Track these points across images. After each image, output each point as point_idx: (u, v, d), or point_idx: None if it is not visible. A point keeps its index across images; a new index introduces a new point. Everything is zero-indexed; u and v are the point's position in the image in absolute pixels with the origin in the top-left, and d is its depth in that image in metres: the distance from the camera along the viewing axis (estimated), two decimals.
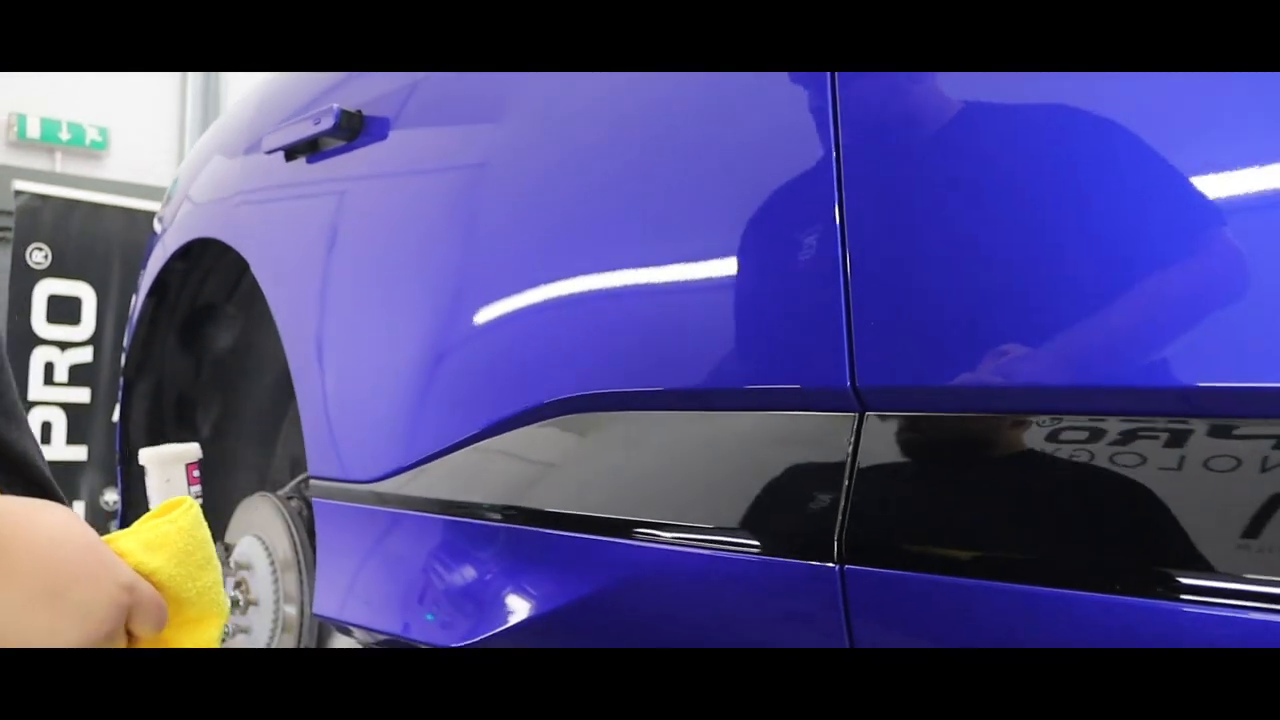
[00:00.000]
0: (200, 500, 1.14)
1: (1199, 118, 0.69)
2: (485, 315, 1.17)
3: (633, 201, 1.00)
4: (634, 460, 0.98)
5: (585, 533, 1.00)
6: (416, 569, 1.27)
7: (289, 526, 1.75)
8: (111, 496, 3.20)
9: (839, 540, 0.81)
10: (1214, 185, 0.67)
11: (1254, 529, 0.65)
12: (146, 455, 1.28)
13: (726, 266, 0.91)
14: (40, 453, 0.69)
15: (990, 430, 0.77)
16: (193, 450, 1.30)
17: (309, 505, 1.87)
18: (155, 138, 8.30)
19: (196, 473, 1.26)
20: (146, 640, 0.64)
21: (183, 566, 0.65)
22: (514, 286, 1.14)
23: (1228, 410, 0.66)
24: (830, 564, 0.82)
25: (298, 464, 2.14)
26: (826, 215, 0.83)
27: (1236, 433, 0.67)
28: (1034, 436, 0.75)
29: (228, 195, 1.71)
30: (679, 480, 0.94)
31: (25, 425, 0.69)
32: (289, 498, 1.86)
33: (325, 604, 1.39)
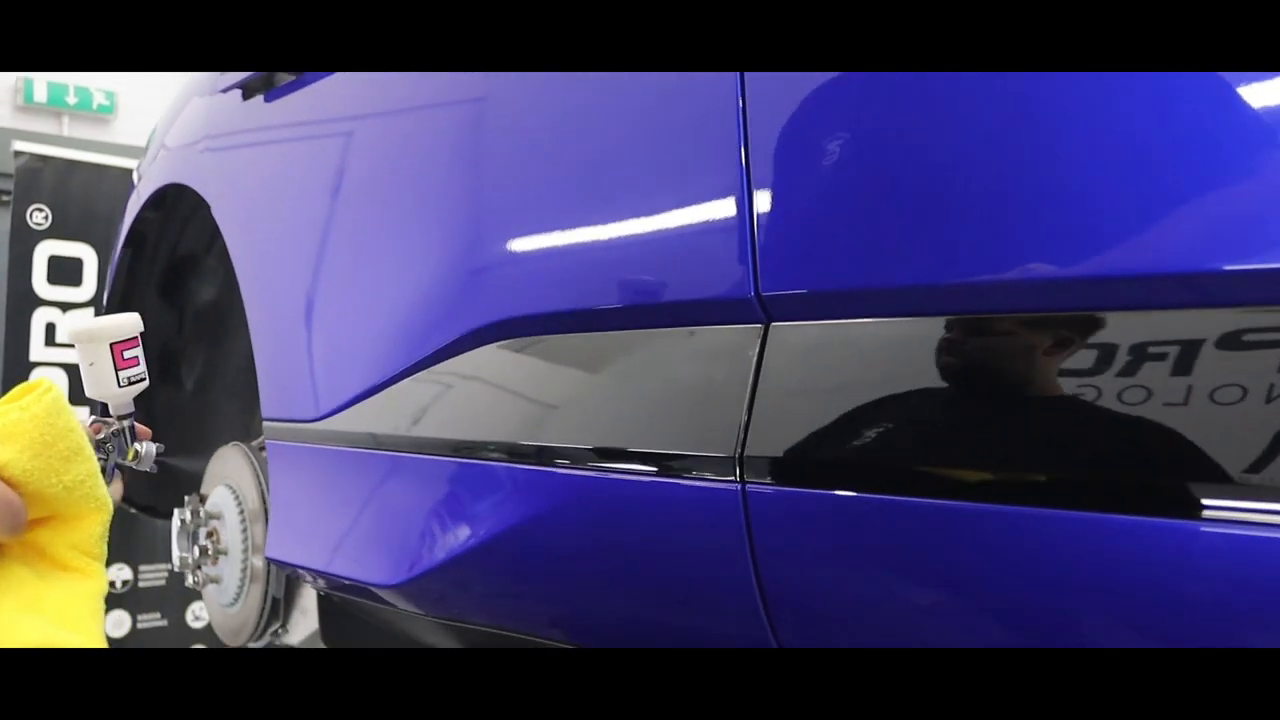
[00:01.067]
0: (144, 382, 1.07)
1: None
2: (411, 250, 1.14)
3: (535, 123, 0.96)
4: (550, 386, 0.95)
5: (509, 461, 0.97)
6: (357, 507, 1.24)
7: (257, 476, 1.73)
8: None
9: (739, 459, 0.77)
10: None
11: (1158, 436, 0.61)
12: (69, 330, 1.16)
13: (627, 182, 0.88)
14: None
15: (902, 336, 0.72)
16: (124, 325, 1.14)
17: None
18: (163, 103, 8.33)
19: (130, 353, 1.13)
20: (7, 542, 0.58)
21: (41, 459, 0.57)
22: (437, 220, 1.11)
23: (1109, 302, 0.62)
24: (732, 483, 0.78)
25: None
26: (728, 115, 0.79)
27: (1114, 323, 0.62)
28: (946, 340, 0.70)
29: (195, 139, 1.69)
30: (592, 404, 0.91)
31: None
32: (260, 448, 1.85)
33: (277, 547, 1.37)
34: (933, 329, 0.70)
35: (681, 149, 0.84)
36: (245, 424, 2.15)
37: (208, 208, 1.73)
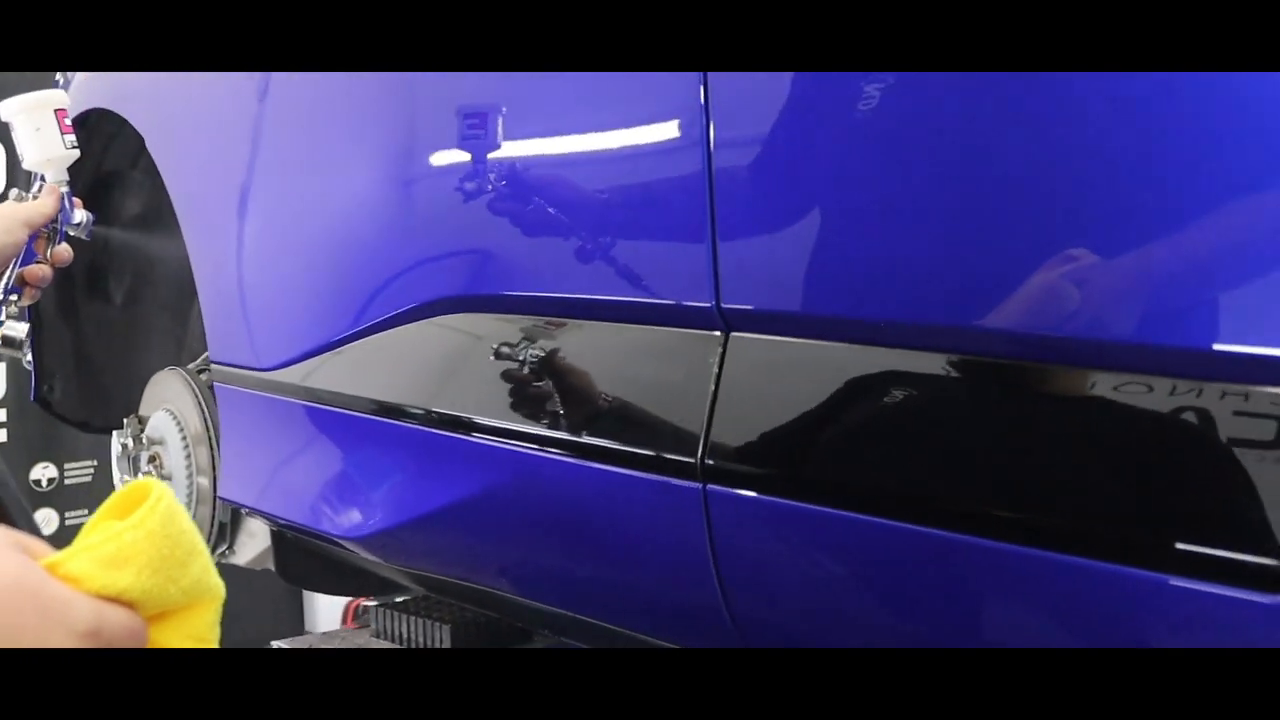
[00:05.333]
0: (78, 150, 1.16)
1: None
2: (378, 209, 1.15)
3: (517, 108, 0.97)
4: (505, 364, 0.98)
5: (469, 434, 1.00)
6: (314, 459, 1.27)
7: (199, 401, 1.74)
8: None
9: (702, 459, 0.82)
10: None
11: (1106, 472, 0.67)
12: (6, 106, 1.20)
13: (603, 177, 0.90)
14: None
15: (854, 360, 0.77)
16: (61, 96, 1.23)
17: None
18: None
19: (67, 120, 1.24)
20: None
21: (159, 574, 0.52)
22: (405, 182, 1.12)
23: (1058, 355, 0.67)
24: (694, 482, 0.83)
25: None
26: (695, 134, 0.81)
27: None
28: (896, 369, 0.75)
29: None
30: (549, 387, 0.94)
31: None
32: (199, 370, 1.85)
33: (228, 487, 1.40)
34: (874, 358, 0.75)
35: (652, 150, 0.86)
36: (178, 338, 2.13)
37: (133, 127, 1.69)
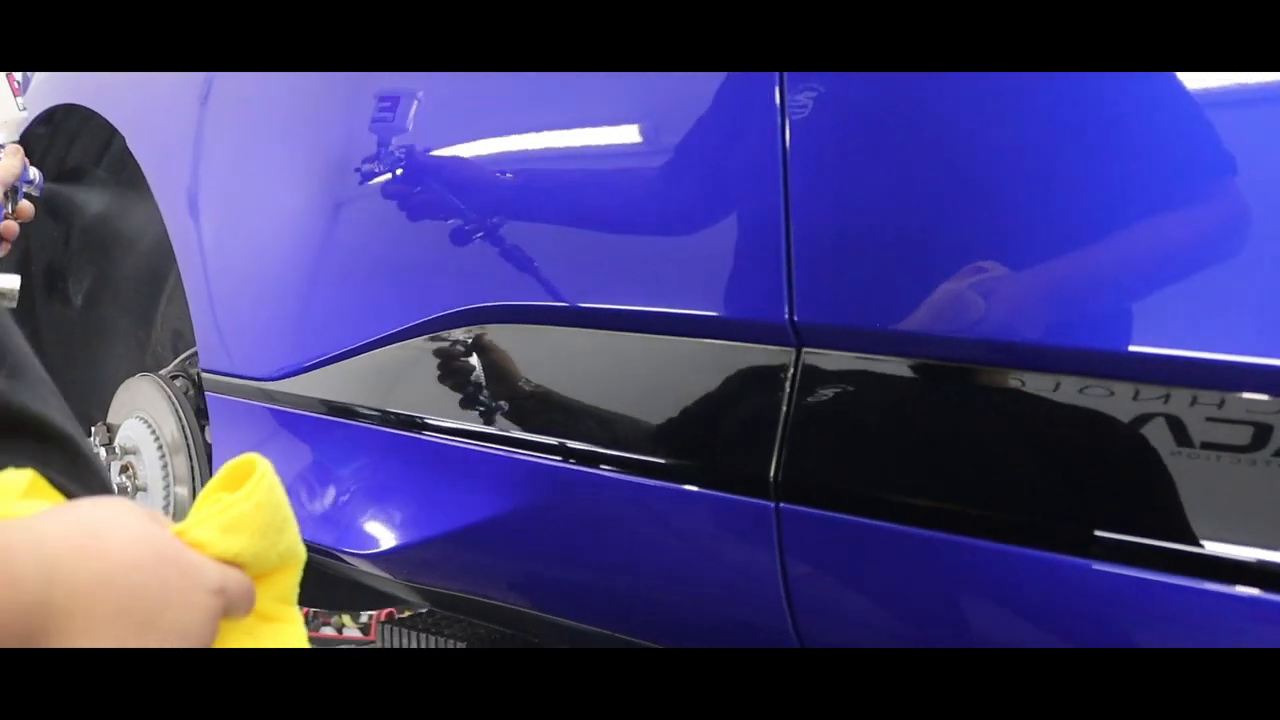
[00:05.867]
0: (25, 111, 1.27)
1: None
2: (399, 212, 1.10)
3: (573, 110, 0.94)
4: (559, 378, 0.95)
5: (509, 449, 0.97)
6: (315, 471, 1.23)
7: (175, 407, 1.68)
8: None
9: (775, 476, 0.80)
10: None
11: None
12: None
13: (671, 184, 0.87)
14: (68, 415, 0.59)
15: (931, 378, 0.76)
16: None
17: (195, 384, 1.80)
18: None
19: (16, 82, 1.43)
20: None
21: (266, 539, 0.59)
22: (433, 183, 1.08)
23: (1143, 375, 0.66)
24: (766, 501, 0.80)
25: (180, 337, 2.04)
26: (771, 148, 0.79)
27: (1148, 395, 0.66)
28: (969, 386, 0.74)
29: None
30: (606, 401, 0.91)
31: (42, 383, 0.58)
32: (173, 376, 1.79)
33: None
34: (954, 375, 0.74)
35: (723, 157, 0.84)
36: (140, 341, 2.06)
37: (99, 122, 1.62)
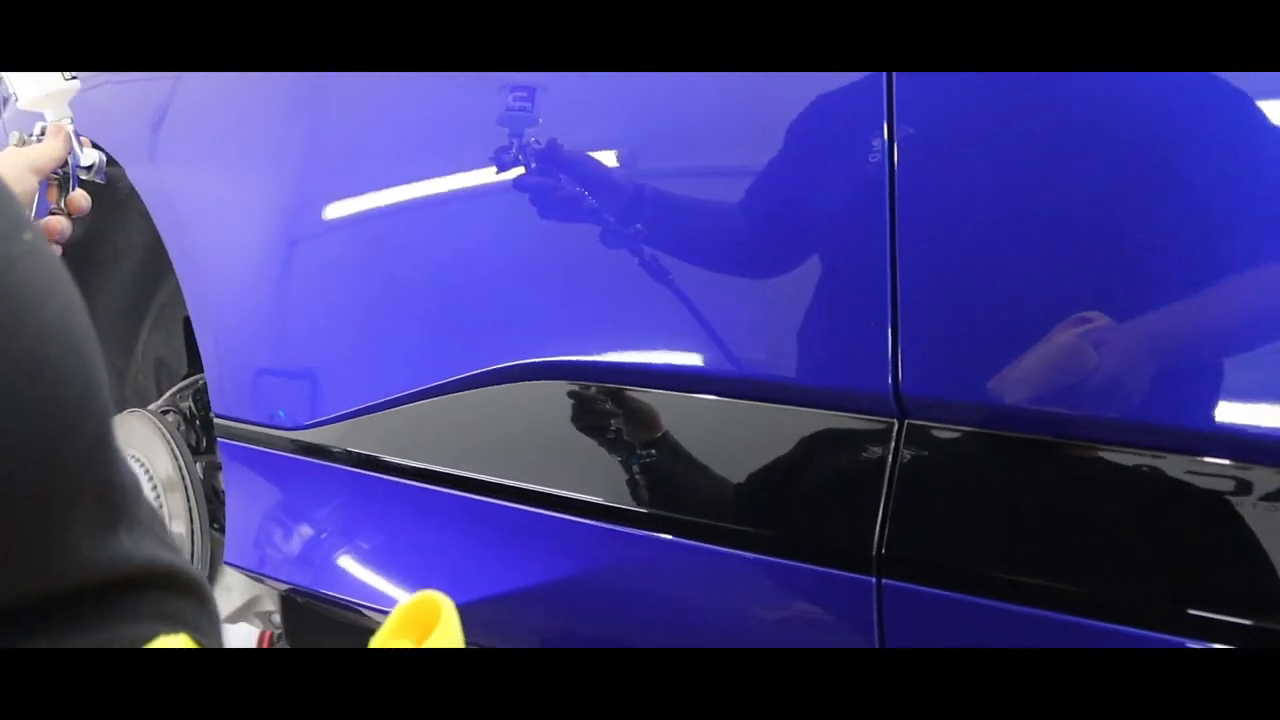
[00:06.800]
0: (76, 80, 1.05)
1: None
2: (472, 247, 1.05)
3: (674, 161, 0.90)
4: (630, 440, 0.91)
5: (591, 518, 0.92)
6: (344, 525, 1.18)
7: (169, 443, 1.62)
8: None
9: (878, 551, 0.77)
10: None
11: None
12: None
13: (770, 256, 0.84)
14: (174, 544, 0.53)
15: (1036, 453, 0.74)
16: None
17: (187, 419, 1.74)
18: None
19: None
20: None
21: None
22: (507, 219, 1.02)
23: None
24: (866, 575, 0.78)
25: (164, 367, 1.97)
26: (877, 219, 0.76)
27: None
28: (1080, 464, 0.72)
29: (107, 102, 1.50)
30: (692, 467, 0.88)
31: (156, 522, 0.52)
32: (164, 411, 1.72)
33: (238, 553, 1.29)
34: (1062, 451, 0.72)
35: (827, 216, 0.80)
36: (119, 370, 1.99)
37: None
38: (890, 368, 0.76)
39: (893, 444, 0.78)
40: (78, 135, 1.11)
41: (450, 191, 1.04)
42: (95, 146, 1.17)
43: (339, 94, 1.16)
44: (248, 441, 1.26)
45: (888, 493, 0.77)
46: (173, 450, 1.61)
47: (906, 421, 0.77)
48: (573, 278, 0.94)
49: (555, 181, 0.95)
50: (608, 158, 0.93)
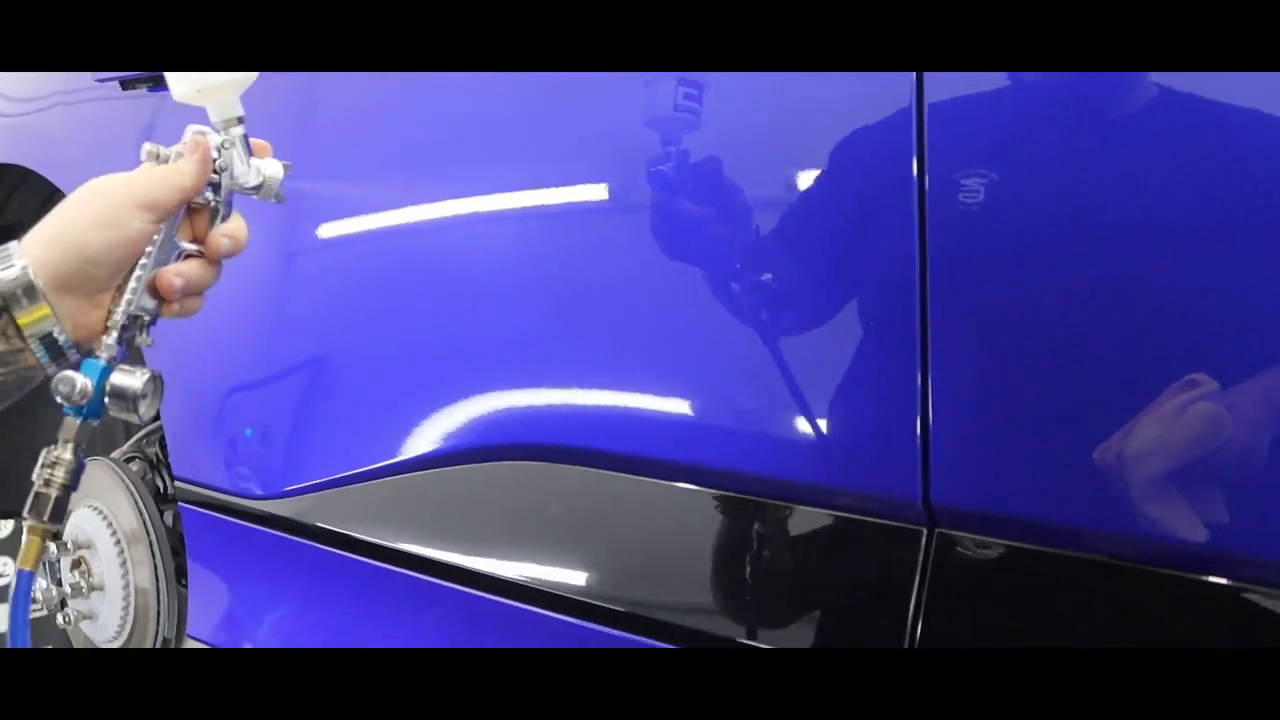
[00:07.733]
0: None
1: None
2: (460, 316, 0.96)
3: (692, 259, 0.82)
4: (652, 535, 0.83)
5: (576, 618, 0.85)
6: (312, 604, 1.09)
7: (132, 493, 1.52)
8: None
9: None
10: None
11: None
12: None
13: (801, 355, 0.76)
14: None
15: (1068, 570, 0.67)
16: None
17: (153, 466, 1.65)
18: None
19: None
20: None
21: None
22: (504, 286, 0.94)
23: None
24: None
25: None
26: (909, 322, 0.68)
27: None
28: (1112, 582, 0.66)
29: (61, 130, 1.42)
30: (702, 566, 0.80)
31: None
32: (129, 459, 1.63)
33: (202, 624, 1.20)
34: (1099, 570, 0.66)
35: (856, 321, 0.73)
36: None
37: (36, 178, 1.47)
38: (921, 475, 0.69)
39: (922, 555, 0.70)
40: (247, 140, 0.78)
41: (434, 259, 0.96)
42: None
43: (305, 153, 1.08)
44: (206, 508, 1.17)
45: (917, 602, 0.70)
46: (135, 500, 1.52)
47: (937, 530, 0.70)
48: (583, 356, 0.86)
49: (542, 259, 0.87)
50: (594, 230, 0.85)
